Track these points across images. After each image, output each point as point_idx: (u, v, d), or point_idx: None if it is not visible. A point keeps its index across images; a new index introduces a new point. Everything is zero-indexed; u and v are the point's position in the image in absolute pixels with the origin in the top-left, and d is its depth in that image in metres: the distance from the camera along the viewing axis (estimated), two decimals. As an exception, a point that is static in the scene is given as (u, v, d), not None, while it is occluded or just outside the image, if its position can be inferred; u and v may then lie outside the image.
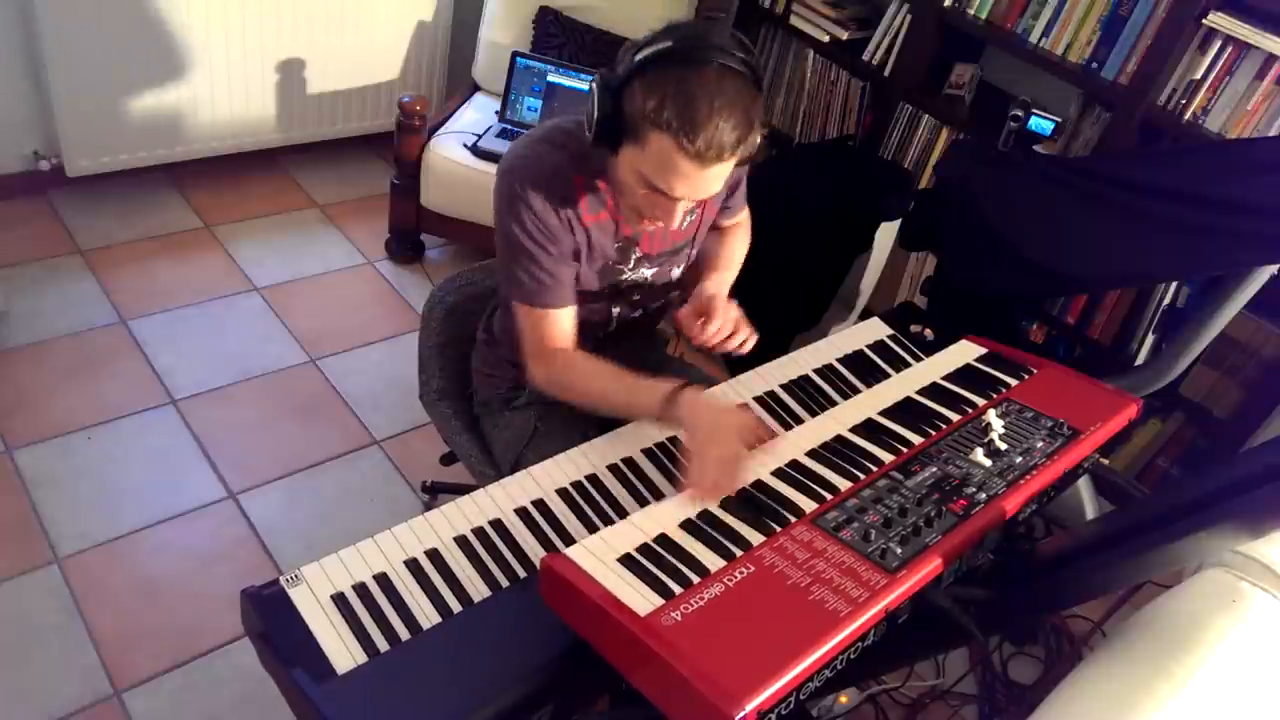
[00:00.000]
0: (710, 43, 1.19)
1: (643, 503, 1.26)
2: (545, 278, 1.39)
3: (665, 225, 1.33)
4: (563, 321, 1.43)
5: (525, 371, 1.48)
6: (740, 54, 1.20)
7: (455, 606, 1.09)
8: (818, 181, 2.71)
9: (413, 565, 1.13)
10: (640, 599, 0.99)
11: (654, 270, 1.56)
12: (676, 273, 1.62)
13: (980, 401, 1.43)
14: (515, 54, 2.77)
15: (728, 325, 1.42)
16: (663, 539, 1.09)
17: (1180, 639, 1.12)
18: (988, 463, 1.24)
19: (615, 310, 1.57)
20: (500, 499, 1.24)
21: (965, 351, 1.60)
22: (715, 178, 1.25)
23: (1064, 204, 1.98)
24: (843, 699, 1.86)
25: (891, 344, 1.68)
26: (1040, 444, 1.30)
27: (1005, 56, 2.68)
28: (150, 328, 2.53)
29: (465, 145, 2.75)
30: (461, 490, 1.73)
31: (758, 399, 1.49)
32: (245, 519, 2.12)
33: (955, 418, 1.38)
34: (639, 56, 1.20)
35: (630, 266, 1.51)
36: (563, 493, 1.27)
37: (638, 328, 1.66)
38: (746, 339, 1.44)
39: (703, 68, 1.17)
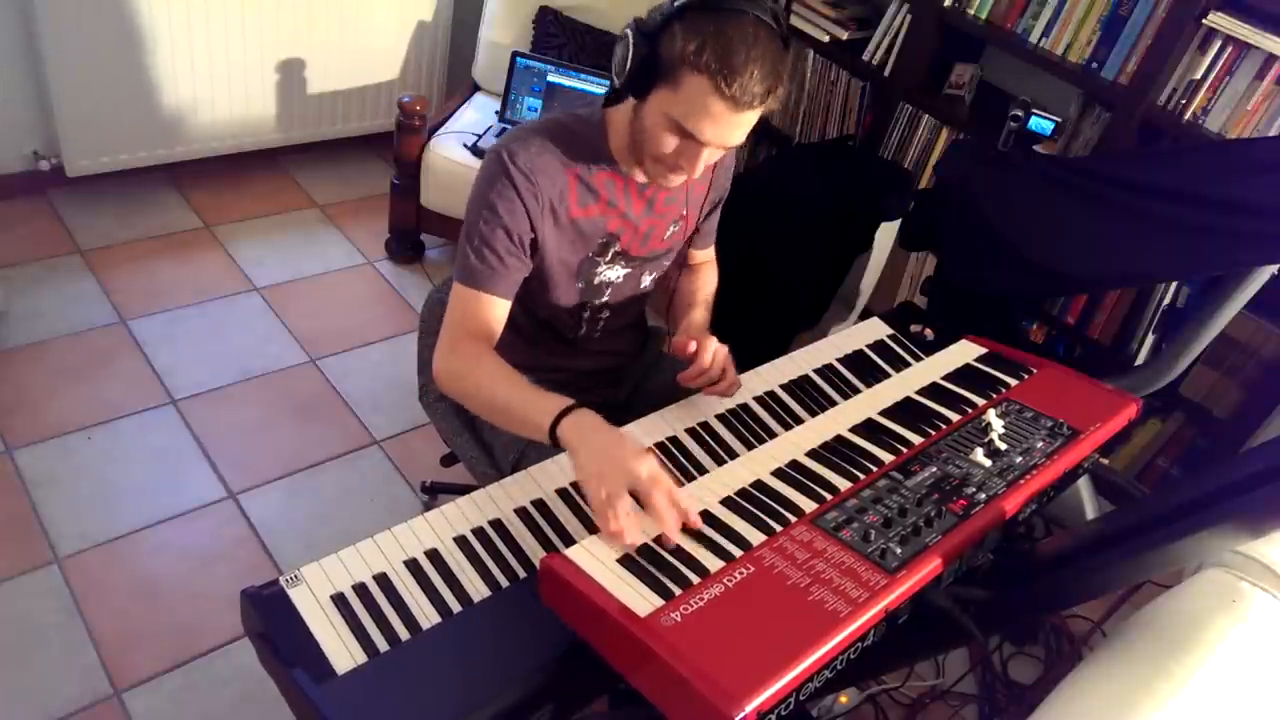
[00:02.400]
0: None
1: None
2: (493, 260, 1.37)
3: (688, 176, 1.34)
4: (491, 311, 1.40)
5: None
6: (774, 11, 1.24)
7: (455, 606, 1.09)
8: (818, 181, 2.71)
9: (412, 565, 1.13)
10: (640, 599, 0.99)
11: (626, 272, 1.55)
12: (646, 281, 1.61)
13: (980, 401, 1.43)
14: (515, 54, 2.77)
15: (718, 364, 1.41)
16: (662, 539, 1.09)
17: (1180, 639, 1.12)
18: (988, 463, 1.24)
19: (585, 311, 1.56)
20: (500, 499, 1.24)
21: (965, 351, 1.60)
22: (742, 125, 1.26)
23: (1064, 204, 1.98)
24: (843, 699, 1.86)
25: (891, 344, 1.68)
26: (1040, 444, 1.30)
27: (1005, 56, 2.68)
28: (150, 328, 2.53)
29: (465, 145, 2.75)
30: (461, 490, 1.73)
31: (758, 399, 1.49)
32: (245, 519, 2.12)
33: (955, 418, 1.38)
34: (679, 1, 1.23)
35: (606, 260, 1.50)
36: (563, 493, 1.27)
37: (604, 332, 1.63)
38: (733, 384, 1.43)
39: (740, 17, 1.20)
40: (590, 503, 1.14)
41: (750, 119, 1.25)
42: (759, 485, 1.20)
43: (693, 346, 1.43)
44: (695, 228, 1.62)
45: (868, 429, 1.35)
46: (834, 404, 1.47)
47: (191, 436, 2.27)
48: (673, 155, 1.30)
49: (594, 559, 1.05)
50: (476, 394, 1.36)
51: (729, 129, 1.25)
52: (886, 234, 2.65)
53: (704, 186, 1.57)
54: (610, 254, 1.50)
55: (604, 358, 1.68)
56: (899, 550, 1.07)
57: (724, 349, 1.44)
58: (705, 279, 1.71)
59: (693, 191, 1.54)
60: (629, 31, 1.26)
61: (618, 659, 0.98)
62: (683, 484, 1.23)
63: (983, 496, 1.18)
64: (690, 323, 1.57)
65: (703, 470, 1.33)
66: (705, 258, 1.74)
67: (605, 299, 1.57)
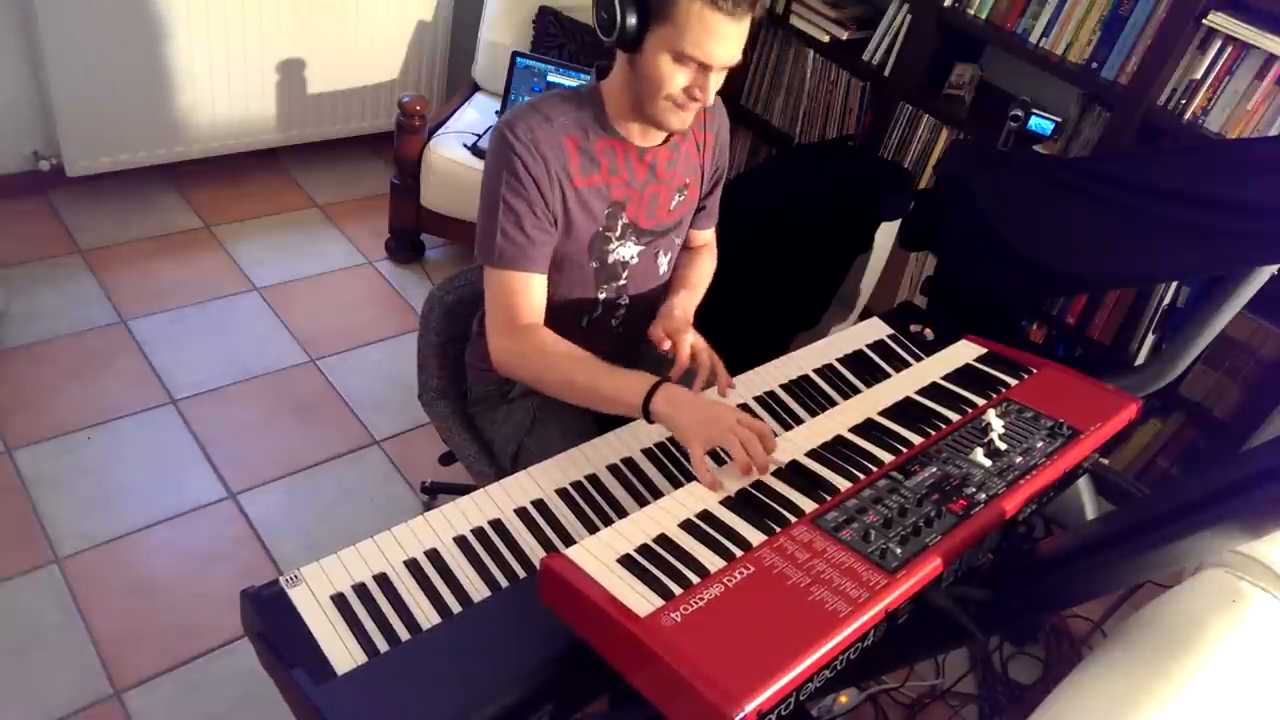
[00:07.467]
0: None
1: (643, 503, 1.26)
2: (521, 239, 1.39)
3: (702, 104, 1.37)
4: (534, 289, 1.43)
5: (488, 347, 1.46)
6: None
7: (455, 607, 1.09)
8: (817, 181, 2.71)
9: (412, 565, 1.13)
10: (640, 599, 0.99)
11: (640, 249, 1.55)
12: (663, 265, 1.61)
13: (980, 401, 1.43)
14: (515, 54, 2.77)
15: (701, 361, 1.42)
16: (663, 539, 1.09)
17: (1180, 639, 1.12)
18: (988, 463, 1.24)
19: (601, 294, 1.56)
20: (500, 499, 1.24)
21: (965, 351, 1.60)
22: (741, 36, 1.31)
23: (1064, 204, 1.98)
24: (843, 699, 1.87)
25: (891, 344, 1.68)
26: (1040, 444, 1.30)
27: (1005, 56, 2.68)
28: (150, 328, 2.53)
29: (465, 145, 2.75)
30: (461, 490, 1.73)
31: (758, 399, 1.49)
32: (245, 519, 2.12)
33: (955, 418, 1.38)
34: None
35: (617, 235, 1.51)
36: (562, 493, 1.27)
37: (626, 324, 1.63)
38: (725, 384, 1.42)
39: None
40: (693, 460, 1.21)
41: (745, 28, 1.31)
42: (759, 485, 1.20)
43: (667, 344, 1.44)
44: (701, 203, 1.63)
45: (868, 429, 1.35)
46: (834, 404, 1.47)
47: (191, 436, 2.27)
48: (686, 88, 1.34)
49: (594, 559, 1.05)
50: (549, 376, 1.40)
51: (732, 42, 1.30)
52: (886, 234, 2.64)
53: (699, 156, 1.58)
54: (619, 227, 1.51)
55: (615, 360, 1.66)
56: (899, 550, 1.07)
57: (701, 341, 1.44)
58: (701, 261, 1.72)
59: (690, 160, 1.56)
60: None
61: (618, 659, 0.98)
62: (682, 484, 1.23)
63: (983, 496, 1.18)
64: (671, 307, 1.55)
65: (703, 470, 1.33)
66: (706, 239, 1.75)
67: (623, 281, 1.57)
